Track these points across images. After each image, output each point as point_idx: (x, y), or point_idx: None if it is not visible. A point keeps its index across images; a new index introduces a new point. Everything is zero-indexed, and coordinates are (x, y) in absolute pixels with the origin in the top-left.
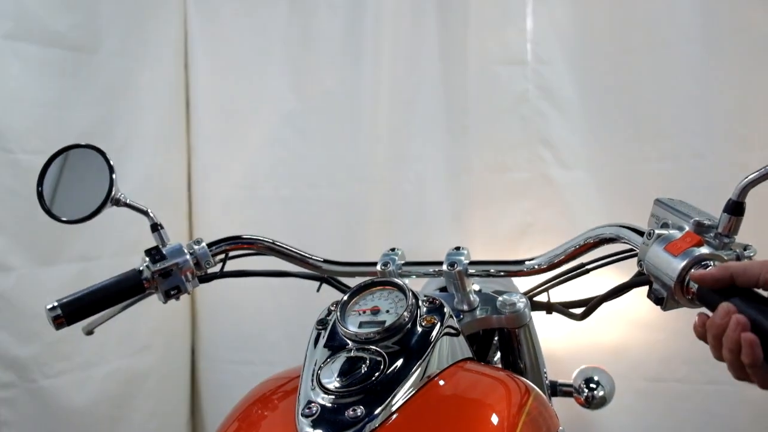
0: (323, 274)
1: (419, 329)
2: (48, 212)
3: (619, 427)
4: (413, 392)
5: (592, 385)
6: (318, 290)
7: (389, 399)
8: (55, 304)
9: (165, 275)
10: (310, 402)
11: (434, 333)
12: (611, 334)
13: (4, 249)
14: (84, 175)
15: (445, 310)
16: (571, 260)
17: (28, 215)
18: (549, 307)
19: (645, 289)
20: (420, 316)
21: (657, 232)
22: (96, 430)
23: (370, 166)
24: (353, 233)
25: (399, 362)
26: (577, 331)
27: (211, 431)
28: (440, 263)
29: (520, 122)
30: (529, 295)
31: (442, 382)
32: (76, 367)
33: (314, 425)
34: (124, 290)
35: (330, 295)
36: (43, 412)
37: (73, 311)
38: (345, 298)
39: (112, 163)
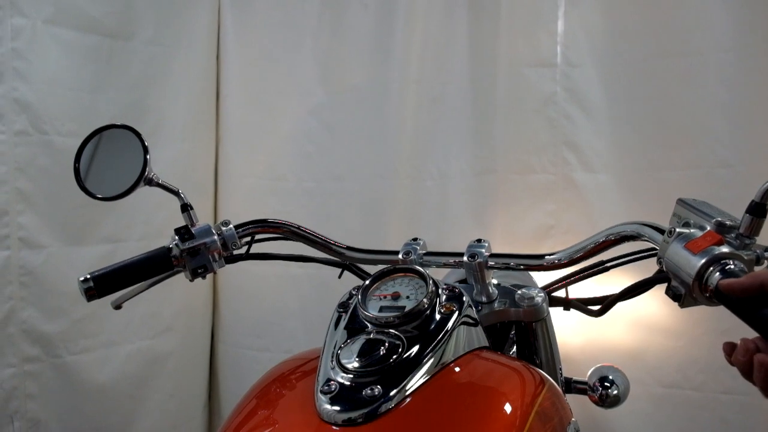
0: (345, 261)
1: (438, 316)
2: (83, 189)
3: (632, 430)
4: (429, 376)
5: (607, 384)
6: (339, 276)
7: (405, 381)
8: (88, 276)
9: (193, 254)
10: (329, 380)
11: (452, 320)
12: (630, 338)
13: (36, 227)
14: (119, 155)
15: (464, 299)
16: (591, 257)
17: (60, 195)
18: (567, 303)
19: (665, 294)
20: (439, 303)
21: (678, 230)
22: (117, 407)
23: (395, 161)
24: (374, 227)
25: (416, 347)
26: (595, 334)
27: (228, 414)
28: (461, 254)
29: (547, 124)
30: (548, 290)
31: (457, 369)
32: (100, 345)
33: (332, 402)
34: (153, 266)
35: (350, 284)
36: (67, 387)
37: (104, 284)
38: (367, 282)
39: (146, 143)
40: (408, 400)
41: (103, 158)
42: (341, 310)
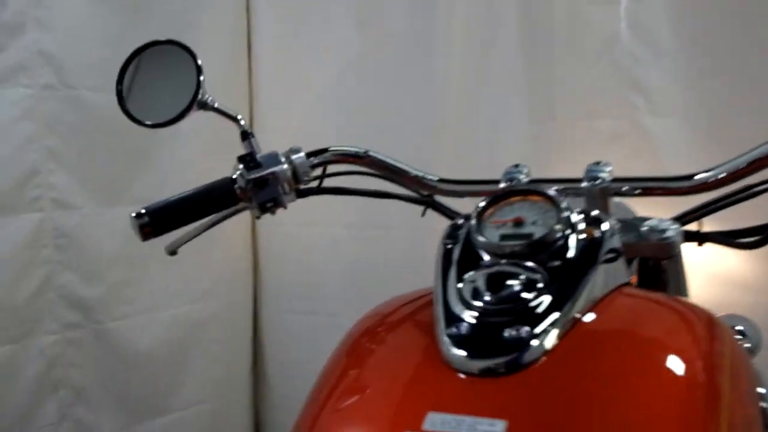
0: (432, 196)
1: (577, 246)
2: (128, 115)
3: None
4: (581, 317)
5: (738, 337)
6: (423, 214)
7: (553, 323)
8: (143, 211)
9: (260, 185)
10: (456, 319)
11: (596, 250)
12: (707, 293)
13: (68, 187)
14: (165, 77)
15: (607, 225)
16: (757, 171)
17: (89, 153)
18: (702, 237)
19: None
20: (577, 231)
21: None
22: (160, 373)
23: (439, 113)
24: None
25: (557, 282)
26: None
27: (275, 379)
28: (577, 180)
29: (611, 66)
30: (682, 221)
31: (610, 311)
32: (141, 310)
33: (463, 346)
34: (215, 200)
35: (397, 246)
36: (109, 355)
37: (161, 219)
38: (481, 205)
39: (200, 62)
40: (560, 347)
41: (147, 81)
42: (449, 241)
